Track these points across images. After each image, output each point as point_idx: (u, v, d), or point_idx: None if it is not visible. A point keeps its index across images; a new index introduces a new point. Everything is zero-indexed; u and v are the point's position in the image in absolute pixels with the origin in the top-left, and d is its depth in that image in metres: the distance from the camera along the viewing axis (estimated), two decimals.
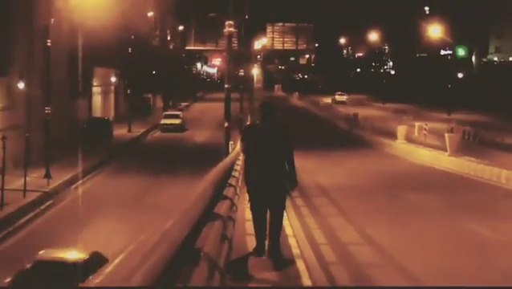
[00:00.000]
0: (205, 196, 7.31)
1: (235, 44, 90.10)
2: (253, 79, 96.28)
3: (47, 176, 28.93)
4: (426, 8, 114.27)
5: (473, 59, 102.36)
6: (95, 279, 3.39)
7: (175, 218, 5.04)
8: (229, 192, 12.04)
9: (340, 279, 10.98)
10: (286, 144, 9.55)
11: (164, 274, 3.81)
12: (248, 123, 45.12)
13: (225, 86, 31.75)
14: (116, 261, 3.62)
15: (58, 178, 29.21)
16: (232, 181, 14.55)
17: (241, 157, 11.72)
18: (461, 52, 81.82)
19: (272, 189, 9.42)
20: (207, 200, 7.48)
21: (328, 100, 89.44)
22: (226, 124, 31.38)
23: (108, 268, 3.54)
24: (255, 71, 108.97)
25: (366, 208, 20.00)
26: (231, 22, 30.86)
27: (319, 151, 36.82)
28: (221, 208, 9.28)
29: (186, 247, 5.10)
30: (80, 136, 39.59)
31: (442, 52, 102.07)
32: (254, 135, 9.67)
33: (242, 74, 67.11)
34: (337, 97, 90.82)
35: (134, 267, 3.56)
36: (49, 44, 31.01)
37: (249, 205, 9.79)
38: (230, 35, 31.82)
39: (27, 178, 26.16)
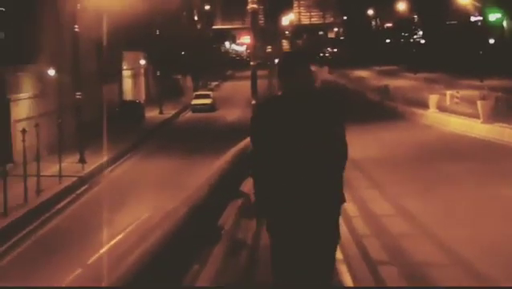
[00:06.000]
0: (220, 174, 7.25)
1: (262, 21, 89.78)
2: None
3: (81, 161, 29.28)
4: None
5: (505, 23, 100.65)
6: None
7: (181, 200, 5.00)
8: None
9: (373, 251, 10.99)
10: (338, 131, 5.26)
11: (182, 250, 3.86)
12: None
13: (251, 63, 31.68)
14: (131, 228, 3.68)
15: (93, 163, 29.54)
16: None
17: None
18: (492, 17, 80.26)
19: (317, 223, 4.92)
20: (228, 177, 7.44)
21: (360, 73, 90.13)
22: (253, 102, 31.35)
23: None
24: (284, 47, 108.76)
25: (399, 178, 19.92)
26: None
27: (350, 123, 36.64)
28: (247, 186, 9.21)
29: (206, 225, 5.12)
30: (113, 119, 39.91)
31: (472, 19, 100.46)
32: (277, 120, 5.10)
33: (270, 50, 66.92)
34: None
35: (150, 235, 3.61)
36: (77, 30, 31.22)
37: (270, 250, 5.05)
38: (254, 12, 31.65)
39: (62, 164, 26.49)
